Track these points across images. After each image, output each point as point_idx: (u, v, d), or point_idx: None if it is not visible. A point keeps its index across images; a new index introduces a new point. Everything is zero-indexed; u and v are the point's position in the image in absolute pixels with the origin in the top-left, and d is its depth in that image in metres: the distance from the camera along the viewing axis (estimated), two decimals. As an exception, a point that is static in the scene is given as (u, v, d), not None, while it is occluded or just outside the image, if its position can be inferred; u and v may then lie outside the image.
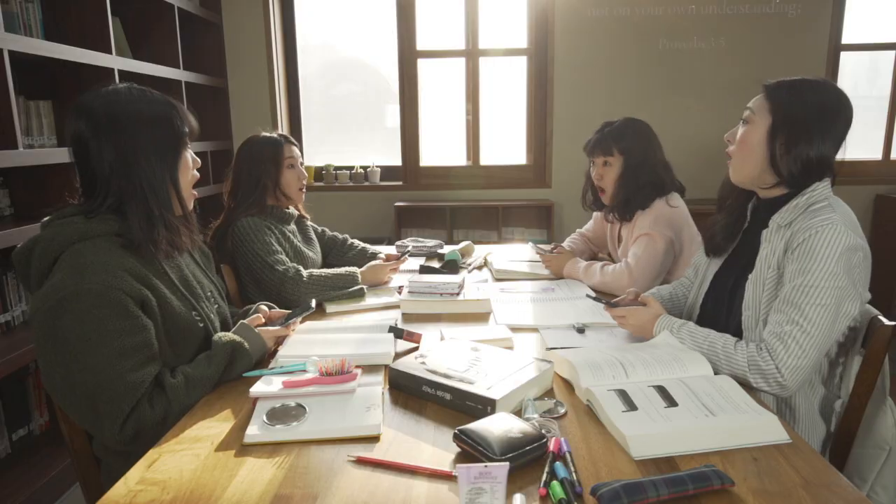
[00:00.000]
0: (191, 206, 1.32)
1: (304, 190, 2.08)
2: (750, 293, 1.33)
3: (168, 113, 1.24)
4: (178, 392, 1.15)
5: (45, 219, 1.22)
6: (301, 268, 1.89)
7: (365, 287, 1.89)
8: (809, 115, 1.28)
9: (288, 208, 2.08)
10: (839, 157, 1.32)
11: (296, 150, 2.07)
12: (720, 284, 1.47)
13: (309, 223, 2.24)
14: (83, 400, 1.09)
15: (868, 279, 1.27)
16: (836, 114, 1.29)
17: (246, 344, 1.29)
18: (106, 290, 1.09)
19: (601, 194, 2.10)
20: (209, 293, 1.39)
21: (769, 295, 1.30)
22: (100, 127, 1.18)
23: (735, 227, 1.46)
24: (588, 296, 1.57)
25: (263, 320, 1.45)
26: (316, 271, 1.90)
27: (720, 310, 1.42)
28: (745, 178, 1.38)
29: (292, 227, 2.10)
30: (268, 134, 2.05)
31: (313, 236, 2.23)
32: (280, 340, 1.43)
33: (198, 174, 1.33)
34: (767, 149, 1.31)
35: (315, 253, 2.18)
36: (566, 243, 2.36)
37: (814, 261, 1.21)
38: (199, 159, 1.33)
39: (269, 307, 1.56)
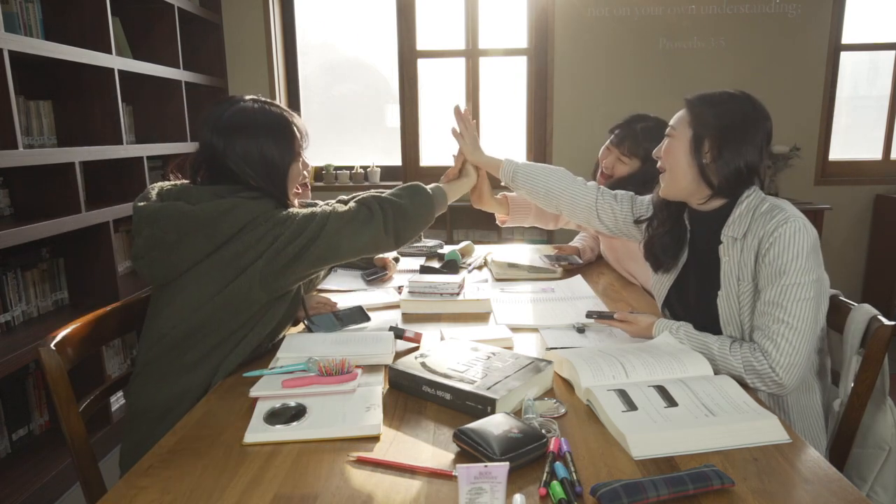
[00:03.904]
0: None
1: (300, 191, 2.07)
2: (725, 310, 1.34)
3: (288, 125, 1.40)
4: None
5: (212, 186, 1.34)
6: None
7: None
8: (729, 124, 1.31)
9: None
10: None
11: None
12: (683, 296, 1.47)
13: None
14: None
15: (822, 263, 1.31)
16: (755, 122, 1.31)
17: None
18: None
19: (602, 178, 2.03)
20: None
21: (748, 308, 1.30)
22: (240, 134, 1.35)
23: (679, 242, 1.46)
24: (589, 314, 1.55)
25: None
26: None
27: (689, 321, 1.39)
28: (679, 192, 1.39)
29: None
30: None
31: None
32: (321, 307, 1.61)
33: (307, 174, 1.51)
34: (694, 160, 1.33)
35: None
36: (577, 241, 2.35)
37: (787, 260, 1.22)
38: (308, 162, 1.49)
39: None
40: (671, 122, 1.40)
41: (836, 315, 1.38)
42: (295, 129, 1.41)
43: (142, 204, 1.32)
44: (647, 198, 1.59)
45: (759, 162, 1.32)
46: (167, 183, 1.39)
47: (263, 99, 1.42)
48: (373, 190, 1.47)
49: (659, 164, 1.41)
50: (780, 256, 1.23)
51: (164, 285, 1.32)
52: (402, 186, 1.49)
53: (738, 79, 3.67)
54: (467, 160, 1.74)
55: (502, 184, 1.73)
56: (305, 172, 1.49)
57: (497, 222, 2.03)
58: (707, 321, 1.36)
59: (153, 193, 1.35)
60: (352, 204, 1.39)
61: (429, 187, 1.51)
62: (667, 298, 1.52)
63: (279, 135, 1.38)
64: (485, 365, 1.20)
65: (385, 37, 3.90)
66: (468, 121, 1.73)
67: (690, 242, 1.45)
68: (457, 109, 1.73)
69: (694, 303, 1.43)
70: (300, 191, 1.50)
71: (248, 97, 1.41)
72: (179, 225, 1.26)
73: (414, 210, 1.44)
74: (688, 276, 1.46)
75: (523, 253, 2.41)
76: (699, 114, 1.34)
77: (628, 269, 2.03)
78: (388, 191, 1.46)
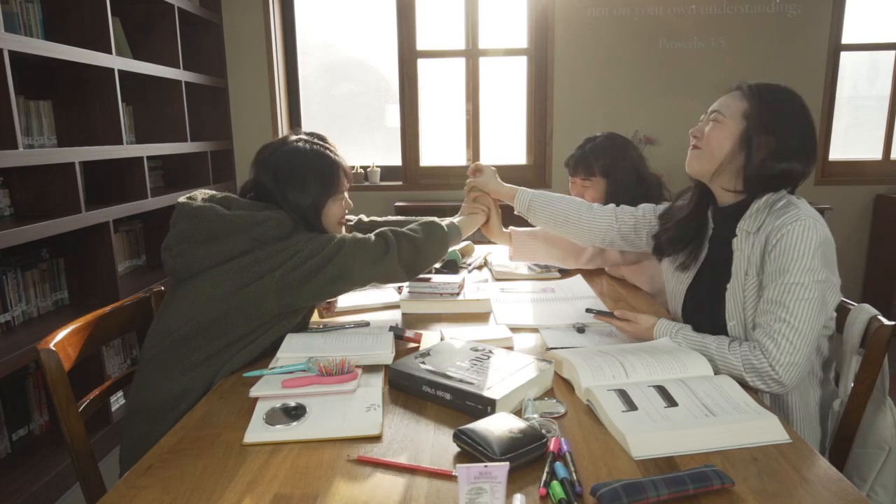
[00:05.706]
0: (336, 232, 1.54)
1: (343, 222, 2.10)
2: (731, 303, 1.33)
3: (336, 168, 1.49)
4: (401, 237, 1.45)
5: (258, 205, 1.40)
6: None
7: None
8: (791, 125, 1.29)
9: None
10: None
11: None
12: (696, 295, 1.46)
13: None
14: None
15: (836, 266, 1.30)
16: (812, 129, 1.31)
17: None
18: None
19: None
20: None
21: (752, 302, 1.30)
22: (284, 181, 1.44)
23: (699, 238, 1.45)
24: (588, 310, 1.54)
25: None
26: None
27: (700, 322, 1.38)
28: (702, 173, 1.38)
29: None
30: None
31: None
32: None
33: (349, 205, 1.56)
34: (741, 153, 1.31)
35: None
36: None
37: (791, 259, 1.22)
38: (350, 203, 1.56)
39: None
40: (717, 107, 1.36)
41: (836, 315, 1.38)
42: (341, 172, 1.49)
43: (185, 200, 1.39)
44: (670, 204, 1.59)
45: (801, 166, 1.31)
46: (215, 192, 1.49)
47: (314, 140, 1.49)
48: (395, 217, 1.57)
49: (693, 142, 1.38)
50: (784, 254, 1.23)
51: (182, 281, 1.35)
52: (420, 222, 1.56)
53: (737, 79, 3.65)
54: (483, 191, 1.78)
55: (515, 212, 1.74)
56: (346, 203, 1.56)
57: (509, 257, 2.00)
58: (718, 320, 1.35)
59: (198, 196, 1.42)
60: (370, 235, 1.46)
61: (444, 224, 1.58)
62: (683, 302, 1.49)
63: (325, 179, 1.46)
64: (485, 365, 1.20)
65: (385, 37, 3.90)
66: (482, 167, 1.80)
67: (709, 240, 1.44)
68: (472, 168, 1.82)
69: (708, 301, 1.41)
70: (343, 222, 1.58)
71: (294, 137, 1.49)
72: (213, 225, 1.32)
73: (429, 246, 1.51)
74: (703, 275, 1.45)
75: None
76: (760, 108, 1.30)
77: (646, 274, 1.98)
78: (408, 226, 1.54)
